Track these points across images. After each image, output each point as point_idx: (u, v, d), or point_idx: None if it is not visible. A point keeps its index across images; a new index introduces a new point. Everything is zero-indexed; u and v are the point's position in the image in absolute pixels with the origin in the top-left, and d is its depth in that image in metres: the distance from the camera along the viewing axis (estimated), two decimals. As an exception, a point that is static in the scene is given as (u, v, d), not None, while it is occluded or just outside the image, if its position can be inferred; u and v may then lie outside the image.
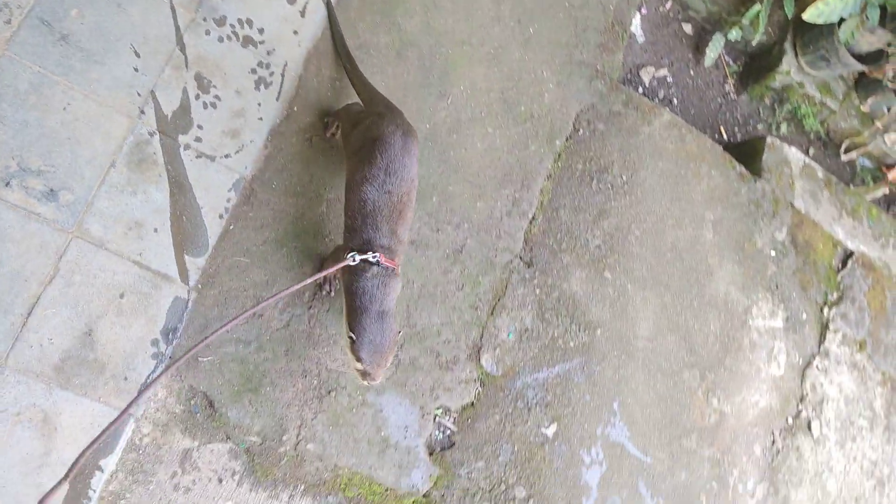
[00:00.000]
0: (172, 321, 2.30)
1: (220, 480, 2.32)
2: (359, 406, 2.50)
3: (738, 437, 3.16)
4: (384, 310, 2.18)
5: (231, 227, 2.43)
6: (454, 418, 2.64)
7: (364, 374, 2.17)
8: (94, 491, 2.13)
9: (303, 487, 2.42)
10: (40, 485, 2.06)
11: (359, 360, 2.14)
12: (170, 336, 2.29)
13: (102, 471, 2.15)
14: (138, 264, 2.28)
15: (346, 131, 2.44)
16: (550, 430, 2.77)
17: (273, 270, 2.45)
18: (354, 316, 2.16)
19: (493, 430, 2.69)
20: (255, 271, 2.43)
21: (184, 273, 2.35)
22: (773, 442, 3.26)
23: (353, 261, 2.15)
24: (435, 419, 2.61)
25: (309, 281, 2.13)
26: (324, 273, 2.16)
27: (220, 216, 2.41)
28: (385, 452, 2.52)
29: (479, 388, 2.70)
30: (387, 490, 2.52)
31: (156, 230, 2.32)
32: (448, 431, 2.63)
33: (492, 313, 2.77)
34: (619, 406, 2.90)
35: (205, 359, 2.32)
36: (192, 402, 2.31)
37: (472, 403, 2.68)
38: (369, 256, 2.15)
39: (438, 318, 2.67)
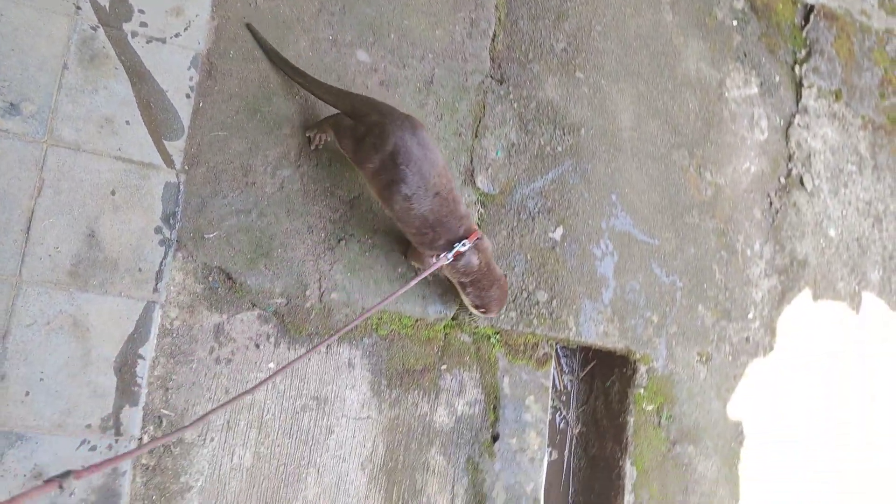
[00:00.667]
0: (169, 206, 2.31)
1: (258, 346, 2.39)
2: (370, 249, 2.55)
3: (736, 205, 3.24)
4: (496, 276, 2.44)
5: (201, 105, 2.40)
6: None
7: (486, 313, 2.52)
8: (142, 377, 2.20)
9: (337, 336, 2.49)
10: (89, 382, 2.13)
11: (489, 316, 2.57)
12: (171, 221, 2.30)
13: (144, 358, 2.21)
14: (120, 159, 2.27)
15: (347, 147, 2.31)
16: (557, 234, 2.84)
17: (253, 137, 2.45)
18: (474, 296, 2.45)
19: (503, 244, 2.75)
20: (236, 141, 2.43)
21: (167, 158, 2.34)
22: (771, 203, 3.35)
23: (448, 260, 2.29)
24: (446, 247, 2.67)
25: (407, 288, 2.32)
26: (421, 277, 2.30)
27: (187, 96, 2.39)
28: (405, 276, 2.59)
29: (481, 210, 2.75)
30: (417, 321, 2.60)
31: (128, 122, 2.30)
32: (461, 256, 2.69)
33: (476, 136, 2.78)
34: (618, 197, 2.96)
35: (210, 235, 2.35)
36: (211, 279, 2.35)
37: (478, 225, 2.73)
38: (458, 247, 2.27)
39: (425, 150, 2.68)
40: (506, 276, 2.54)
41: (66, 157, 2.21)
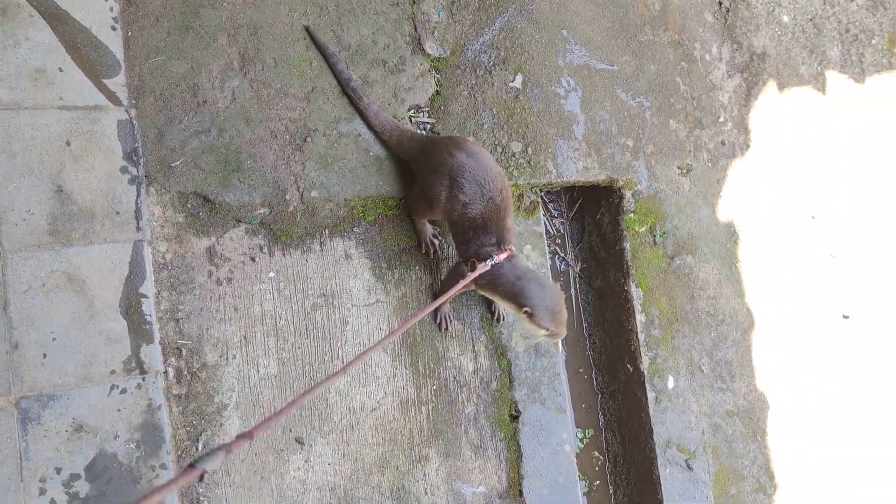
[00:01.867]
0: (128, 144, 2.27)
1: (253, 259, 2.41)
2: (337, 139, 2.53)
3: (686, 13, 3.20)
4: (536, 276, 2.34)
5: (130, 34, 2.33)
6: (427, 112, 2.67)
7: (552, 336, 2.35)
8: (150, 315, 2.23)
9: (327, 232, 2.51)
10: (101, 331, 2.15)
11: (542, 328, 2.30)
12: (134, 158, 2.27)
13: (147, 296, 2.23)
14: (65, 108, 2.22)
15: (423, 204, 2.49)
16: (518, 82, 2.81)
17: (191, 55, 2.38)
18: (517, 299, 2.29)
19: (467, 105, 2.73)
20: (176, 64, 2.36)
21: (112, 96, 2.28)
22: (720, 3, 3.30)
23: (487, 266, 2.28)
24: (412, 121, 2.65)
25: (437, 303, 2.33)
26: (450, 295, 2.28)
27: (113, 28, 2.30)
28: (382, 167, 2.59)
29: (437, 75, 2.71)
30: (400, 200, 2.61)
31: (60, 69, 2.23)
32: (428, 126, 2.68)
33: (413, 2, 2.71)
34: (568, 31, 2.92)
35: (176, 162, 2.32)
36: (190, 206, 2.34)
37: (437, 91, 2.70)
38: (489, 264, 2.28)
39: (367, 28, 2.62)
40: (559, 286, 2.48)
41: (8, 119, 2.15)
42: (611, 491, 3.13)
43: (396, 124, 2.52)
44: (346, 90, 2.51)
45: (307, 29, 2.50)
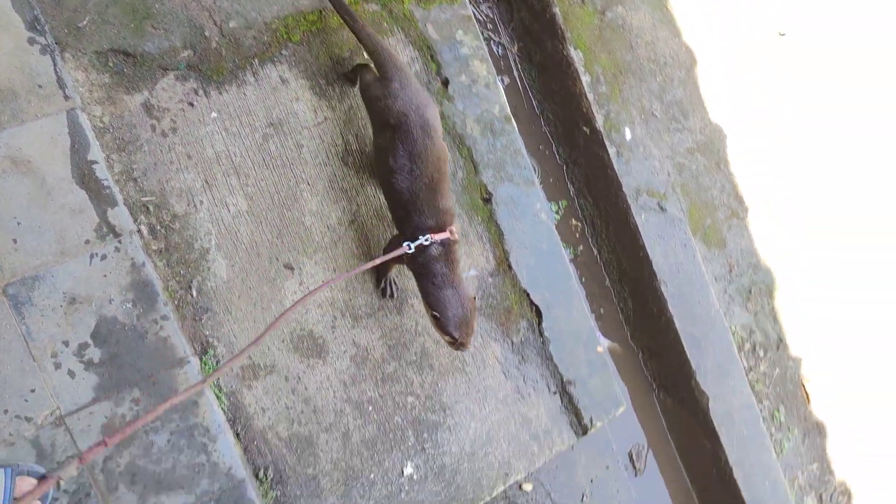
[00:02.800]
0: (27, 13, 2.17)
1: (192, 104, 2.37)
2: (240, -37, 2.44)
3: None
4: (456, 282, 2.27)
5: None
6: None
7: (456, 345, 2.26)
8: (106, 179, 2.21)
9: (257, 61, 2.47)
10: (62, 205, 2.14)
11: (448, 335, 2.24)
12: (37, 26, 2.18)
13: (97, 162, 2.20)
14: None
15: (365, 100, 2.44)
16: None
17: None
18: (431, 297, 2.25)
19: None
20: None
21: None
22: None
23: (410, 249, 2.22)
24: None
25: (366, 267, 2.32)
26: (380, 260, 2.24)
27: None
28: (293, -19, 2.52)
29: None
30: (320, 12, 2.55)
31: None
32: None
33: None
34: None
35: (83, 22, 2.23)
36: (111, 64, 2.28)
37: None
38: (422, 240, 2.21)
39: None
40: (475, 297, 2.38)
41: None
42: (595, 252, 3.26)
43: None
44: None
45: None
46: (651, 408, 3.32)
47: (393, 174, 2.25)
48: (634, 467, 3.20)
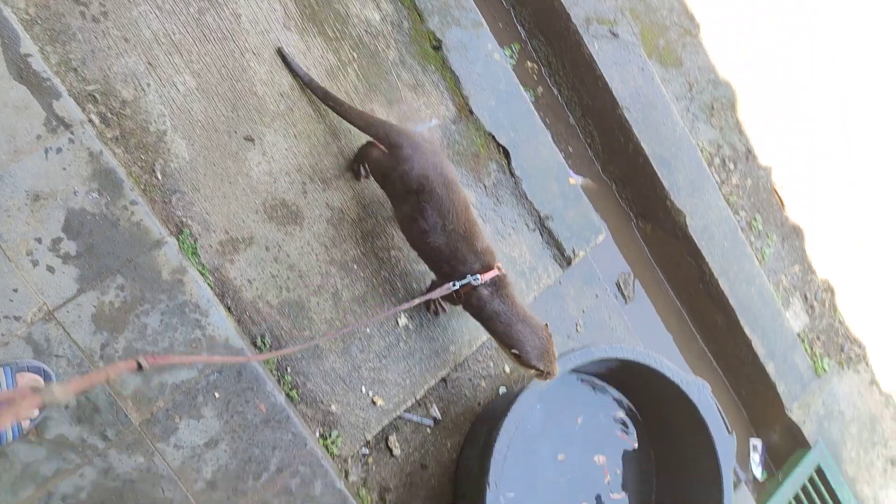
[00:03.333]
0: None
1: (117, -14, 2.29)
2: None
3: None
4: (522, 315, 2.25)
5: None
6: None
7: (543, 376, 2.23)
8: (44, 71, 2.14)
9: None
10: (5, 104, 2.08)
11: (532, 367, 2.21)
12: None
13: (31, 55, 2.14)
14: None
15: (377, 177, 2.42)
16: None
17: None
18: (504, 336, 2.24)
19: None
20: None
21: None
22: None
23: (455, 287, 2.24)
24: None
25: (414, 303, 2.29)
26: (424, 299, 2.27)
27: None
28: None
29: None
30: None
31: None
32: None
33: None
34: None
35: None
36: (24, -47, 2.18)
37: None
38: (470, 279, 2.21)
39: None
40: (546, 324, 2.29)
41: None
42: (555, 92, 3.25)
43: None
44: None
45: None
46: (632, 238, 3.38)
47: (427, 235, 2.24)
48: (623, 295, 3.27)
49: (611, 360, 2.49)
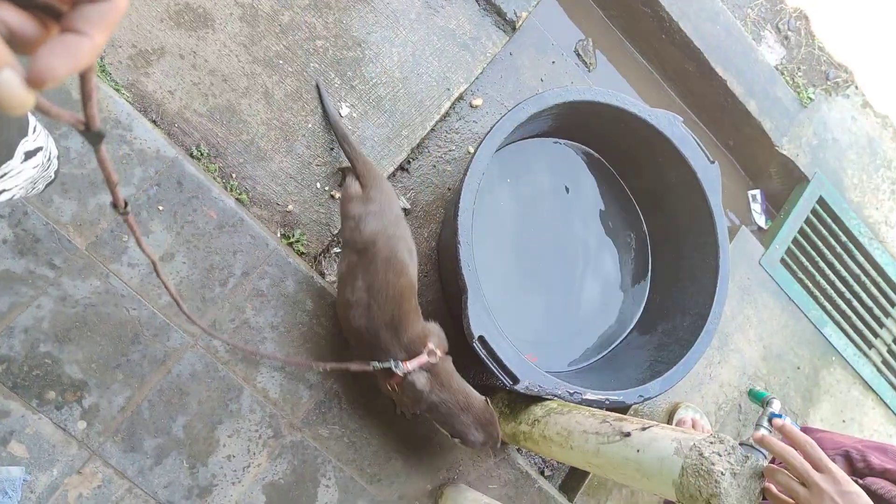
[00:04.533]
0: None
1: None
2: None
3: None
4: (461, 403, 1.98)
5: None
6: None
7: (492, 447, 2.06)
8: None
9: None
10: None
11: (478, 445, 2.02)
12: None
13: None
14: None
15: (341, 202, 2.14)
16: None
17: None
18: (447, 427, 2.03)
19: None
20: None
21: None
22: None
23: (373, 368, 1.95)
24: None
25: (329, 367, 2.11)
26: (335, 367, 2.08)
27: None
28: None
29: None
30: None
31: None
32: None
33: None
34: None
35: None
36: None
37: None
38: (392, 366, 1.90)
39: None
40: (487, 399, 2.03)
41: None
42: None
43: None
44: None
45: None
46: (584, 7, 3.18)
47: (350, 308, 1.93)
48: (585, 63, 3.11)
49: (567, 104, 2.35)
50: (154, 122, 2.21)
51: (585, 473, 2.66)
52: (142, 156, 2.11)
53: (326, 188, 2.39)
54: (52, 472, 1.94)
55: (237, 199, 2.26)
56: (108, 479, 2.00)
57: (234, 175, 2.29)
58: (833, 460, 1.82)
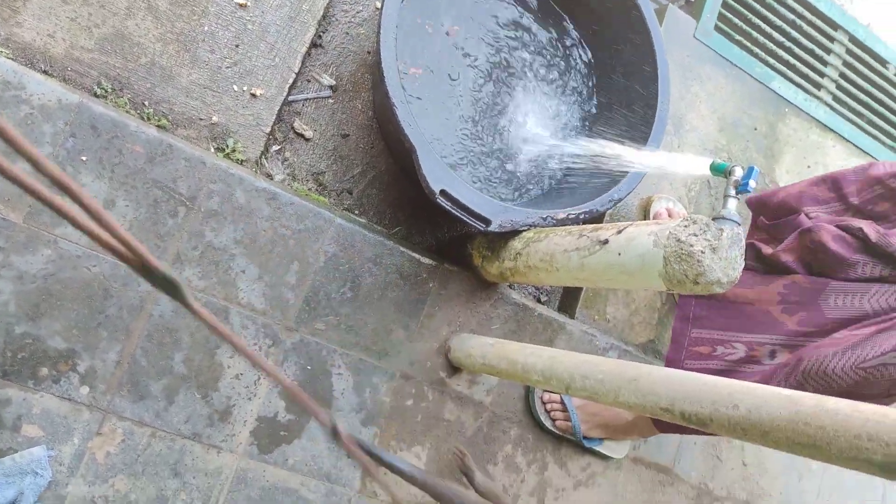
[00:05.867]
0: None
1: None
2: None
3: None
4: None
5: None
6: None
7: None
8: None
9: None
10: None
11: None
12: None
13: None
14: None
15: None
16: None
17: None
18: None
19: None
20: None
21: None
22: None
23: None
24: None
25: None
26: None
27: None
28: None
29: None
30: None
31: None
32: None
33: None
34: None
35: None
36: None
37: None
38: None
39: None
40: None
41: None
42: None
43: None
44: None
45: None
46: None
47: None
48: None
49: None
50: (45, 72, 2.07)
51: (579, 289, 2.72)
52: (45, 111, 1.99)
53: (245, 88, 2.29)
54: (73, 441, 1.96)
55: (158, 126, 2.16)
56: (129, 432, 2.02)
57: (146, 103, 2.18)
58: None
